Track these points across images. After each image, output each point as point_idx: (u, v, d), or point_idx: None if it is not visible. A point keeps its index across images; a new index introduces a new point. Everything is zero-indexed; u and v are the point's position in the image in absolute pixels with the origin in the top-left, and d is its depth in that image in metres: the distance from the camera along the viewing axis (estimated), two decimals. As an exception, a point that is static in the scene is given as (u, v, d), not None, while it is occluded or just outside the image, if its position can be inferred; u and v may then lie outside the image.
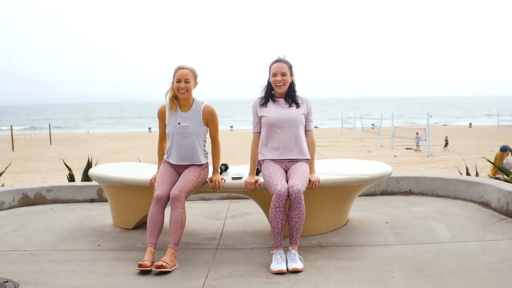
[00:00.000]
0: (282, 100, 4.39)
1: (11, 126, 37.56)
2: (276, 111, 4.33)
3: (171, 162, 4.39)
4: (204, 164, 4.42)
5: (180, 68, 4.29)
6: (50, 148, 32.06)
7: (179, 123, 4.31)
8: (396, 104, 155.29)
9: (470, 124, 49.33)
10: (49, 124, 42.91)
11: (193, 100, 4.38)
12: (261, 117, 4.37)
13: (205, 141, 4.44)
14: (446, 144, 25.93)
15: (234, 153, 22.75)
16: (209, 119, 4.38)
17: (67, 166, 8.30)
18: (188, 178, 4.22)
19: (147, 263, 3.79)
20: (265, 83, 4.43)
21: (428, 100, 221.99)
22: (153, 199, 4.10)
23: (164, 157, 4.47)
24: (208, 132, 4.46)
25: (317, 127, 52.81)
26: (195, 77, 4.37)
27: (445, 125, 54.25)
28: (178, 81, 4.25)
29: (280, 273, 3.70)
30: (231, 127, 54.31)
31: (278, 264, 3.76)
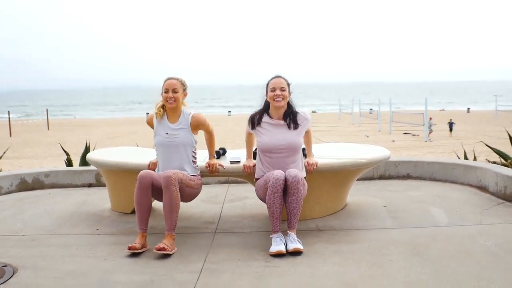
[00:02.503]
0: (280, 122, 4.27)
1: (9, 111, 37.45)
2: (273, 135, 4.22)
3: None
4: (195, 175, 4.35)
5: (168, 78, 4.30)
6: (47, 133, 32.01)
7: (166, 133, 4.28)
8: (395, 89, 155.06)
9: (468, 109, 49.29)
10: (47, 110, 42.79)
11: (180, 112, 4.36)
12: (257, 140, 4.30)
13: (194, 152, 4.37)
14: (451, 128, 25.76)
15: (232, 137, 22.75)
16: (199, 126, 4.36)
17: (65, 151, 8.28)
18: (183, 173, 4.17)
19: (137, 245, 3.84)
20: (263, 101, 4.35)
21: (427, 85, 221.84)
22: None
23: (156, 170, 4.40)
24: (196, 142, 4.41)
25: (315, 112, 52.75)
26: (184, 88, 4.35)
27: (443, 110, 54.22)
28: (166, 91, 4.25)
29: (279, 254, 3.72)
30: (229, 112, 54.21)
31: (277, 245, 3.77)
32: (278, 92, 4.17)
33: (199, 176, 4.42)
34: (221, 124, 33.25)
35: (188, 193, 4.21)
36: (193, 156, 4.35)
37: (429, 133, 25.20)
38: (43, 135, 30.69)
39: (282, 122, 4.26)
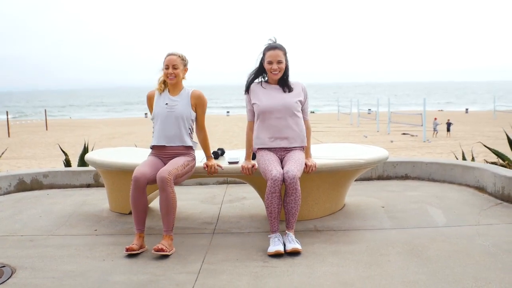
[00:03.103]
0: (276, 86, 4.33)
1: (7, 112, 37.41)
2: (269, 98, 4.26)
3: (154, 144, 4.31)
4: (190, 151, 4.35)
5: (169, 54, 4.30)
6: (46, 134, 31.99)
7: (166, 104, 4.28)
8: (393, 90, 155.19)
9: (467, 109, 49.36)
10: (45, 110, 42.76)
11: (182, 87, 4.37)
12: (253, 104, 4.32)
13: (191, 127, 4.37)
14: (448, 128, 25.80)
15: (230, 138, 22.73)
16: (198, 104, 4.35)
17: (63, 152, 8.29)
18: (177, 163, 4.13)
19: (135, 246, 3.85)
20: (257, 65, 4.35)
21: (425, 85, 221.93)
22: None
23: (150, 144, 4.42)
24: (195, 120, 4.41)
25: (313, 112, 52.76)
26: (185, 64, 4.35)
27: (441, 110, 54.27)
28: (167, 67, 4.25)
29: (277, 254, 3.72)
30: (228, 112, 54.19)
31: (275, 245, 3.78)
32: (275, 66, 4.20)
33: (193, 152, 4.40)
34: (219, 125, 33.25)
35: (185, 177, 4.25)
36: (190, 129, 4.35)
37: (435, 133, 25.19)
38: (41, 135, 30.67)
39: (277, 86, 4.32)
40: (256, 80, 4.40)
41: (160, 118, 4.29)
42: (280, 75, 4.26)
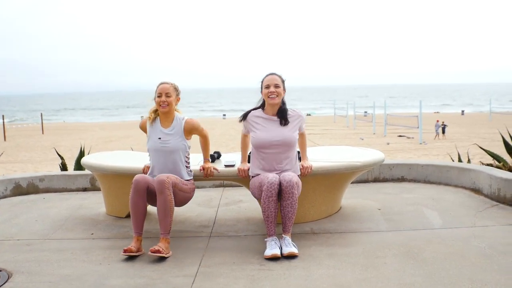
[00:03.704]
0: (274, 118, 4.27)
1: (3, 115, 37.31)
2: (267, 132, 4.22)
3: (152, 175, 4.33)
4: (189, 180, 4.36)
5: (162, 83, 4.34)
6: (42, 137, 31.90)
7: (159, 138, 4.29)
8: (389, 92, 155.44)
9: (463, 111, 49.46)
10: (41, 114, 42.67)
11: (173, 117, 4.37)
12: (250, 133, 4.32)
13: (187, 157, 4.38)
14: (443, 130, 25.84)
15: (227, 141, 22.73)
16: (193, 131, 4.38)
17: (59, 155, 8.28)
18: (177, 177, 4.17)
19: (133, 248, 3.85)
20: (259, 99, 4.36)
21: (421, 88, 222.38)
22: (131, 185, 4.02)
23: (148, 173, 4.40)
24: (189, 147, 4.42)
25: (309, 115, 52.78)
26: (177, 93, 4.38)
27: (437, 112, 54.38)
28: (159, 96, 4.28)
29: (274, 257, 3.72)
30: (224, 115, 54.16)
31: (272, 249, 3.78)
32: (272, 89, 4.18)
33: (193, 181, 4.42)
34: (216, 128, 33.25)
35: (181, 197, 4.21)
36: (186, 161, 4.36)
37: (436, 136, 25.21)
38: (37, 139, 30.58)
39: (275, 118, 4.28)
40: (254, 112, 4.37)
41: (155, 153, 4.31)
42: (278, 100, 4.21)
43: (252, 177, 4.31)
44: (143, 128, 4.48)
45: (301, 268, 3.54)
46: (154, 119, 4.37)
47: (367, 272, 3.43)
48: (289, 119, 4.26)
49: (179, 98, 4.42)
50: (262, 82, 4.28)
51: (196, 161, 4.73)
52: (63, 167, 7.89)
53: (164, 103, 4.26)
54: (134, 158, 5.27)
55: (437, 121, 26.85)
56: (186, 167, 4.36)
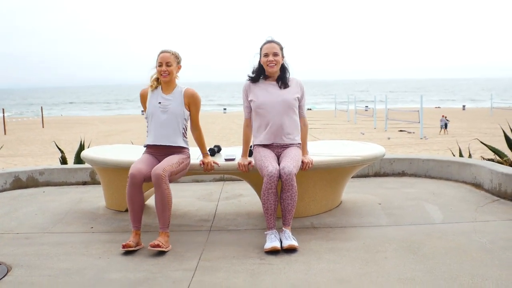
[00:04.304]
0: (273, 83, 4.34)
1: (3, 109, 37.29)
2: (267, 94, 4.27)
3: (148, 143, 4.31)
4: (184, 149, 4.34)
5: (162, 52, 4.29)
6: (42, 131, 31.88)
7: (159, 103, 4.28)
8: (390, 87, 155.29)
9: (464, 106, 49.39)
10: (41, 107, 42.65)
11: (175, 85, 4.36)
12: (250, 101, 4.33)
13: (185, 127, 4.35)
14: (446, 126, 25.76)
15: (227, 135, 22.68)
16: (191, 102, 4.33)
17: (59, 149, 8.26)
18: (171, 160, 4.12)
19: (131, 243, 3.84)
20: (256, 65, 4.37)
21: (422, 82, 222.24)
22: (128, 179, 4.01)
23: (144, 143, 4.41)
24: (189, 118, 4.40)
25: (310, 109, 52.74)
26: (178, 61, 4.34)
27: (438, 107, 54.32)
28: (160, 65, 4.25)
29: (273, 250, 3.71)
30: (224, 109, 54.10)
31: (271, 242, 3.77)
32: (271, 57, 4.22)
33: (188, 150, 4.39)
34: (217, 122, 33.21)
35: (180, 174, 4.23)
36: (184, 130, 4.34)
37: (441, 130, 25.13)
38: (37, 133, 30.57)
39: (274, 82, 4.34)
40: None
41: (154, 117, 4.28)
42: (276, 68, 4.26)
43: (255, 145, 4.33)
44: (143, 97, 4.43)
45: (301, 263, 3.53)
46: (156, 88, 4.36)
47: (367, 267, 3.42)
48: (289, 83, 4.33)
49: (180, 66, 4.38)
50: (261, 49, 4.30)
51: (196, 155, 4.72)
52: (63, 160, 7.88)
53: (165, 72, 4.23)
54: (134, 151, 5.25)
55: (443, 116, 26.76)
56: (183, 134, 4.34)
